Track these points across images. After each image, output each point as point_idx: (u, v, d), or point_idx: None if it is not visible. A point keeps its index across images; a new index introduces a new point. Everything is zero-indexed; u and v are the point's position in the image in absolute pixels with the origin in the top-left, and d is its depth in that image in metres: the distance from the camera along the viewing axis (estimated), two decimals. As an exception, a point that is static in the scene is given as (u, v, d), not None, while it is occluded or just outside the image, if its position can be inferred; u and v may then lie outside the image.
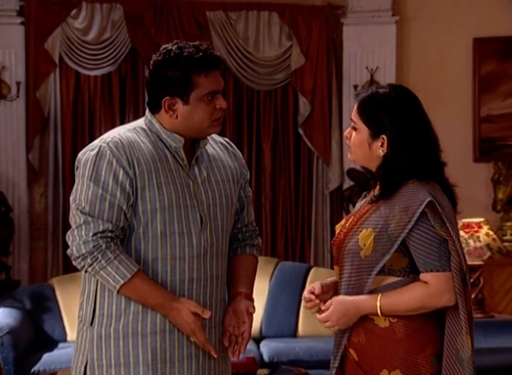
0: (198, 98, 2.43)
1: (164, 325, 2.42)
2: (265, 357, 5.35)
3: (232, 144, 2.68)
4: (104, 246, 2.37)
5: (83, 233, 2.39)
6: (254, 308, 2.54)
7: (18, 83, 6.64)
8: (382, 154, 2.39)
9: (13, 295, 5.75)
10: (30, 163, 6.68)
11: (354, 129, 2.44)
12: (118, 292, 2.39)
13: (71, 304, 5.60)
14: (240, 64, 6.92)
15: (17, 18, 6.68)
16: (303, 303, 2.53)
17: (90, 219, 2.38)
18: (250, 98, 7.03)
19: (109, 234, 2.39)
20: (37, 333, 5.60)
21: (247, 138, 6.97)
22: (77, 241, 2.39)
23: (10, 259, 6.58)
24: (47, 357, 5.24)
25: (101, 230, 2.38)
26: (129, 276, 2.36)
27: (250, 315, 2.53)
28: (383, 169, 2.39)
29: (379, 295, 2.34)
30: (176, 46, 2.44)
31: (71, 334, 5.58)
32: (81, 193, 2.41)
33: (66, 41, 6.71)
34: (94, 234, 2.38)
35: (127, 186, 2.40)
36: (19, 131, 6.66)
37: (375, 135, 2.40)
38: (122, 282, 2.37)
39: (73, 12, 6.73)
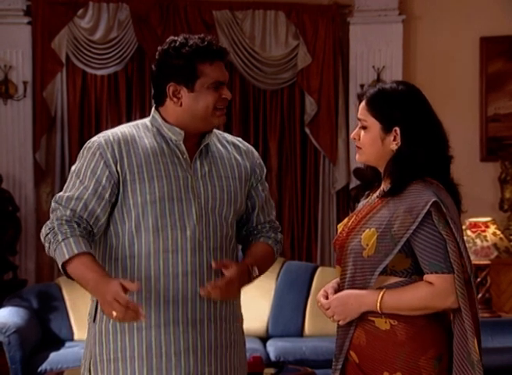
0: (204, 87, 2.45)
1: (159, 319, 2.42)
2: (272, 356, 5.35)
3: (246, 144, 2.68)
4: (56, 228, 2.39)
5: (48, 221, 2.44)
6: (255, 274, 2.47)
7: (25, 83, 6.65)
8: (395, 148, 2.37)
9: (20, 294, 5.76)
10: (36, 163, 6.69)
11: (363, 128, 2.41)
12: (67, 275, 2.39)
13: (78, 303, 5.61)
14: (247, 63, 6.92)
15: (24, 18, 6.70)
16: (316, 303, 2.50)
17: (57, 206, 2.44)
18: (256, 98, 7.03)
19: (65, 218, 2.41)
20: (44, 332, 5.61)
21: (253, 138, 6.97)
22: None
23: (17, 259, 6.59)
24: (54, 356, 5.25)
25: (59, 215, 2.42)
26: (67, 257, 2.34)
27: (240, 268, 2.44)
28: (395, 163, 2.36)
29: (382, 291, 2.32)
30: (181, 37, 2.48)
31: (78, 333, 5.59)
32: (66, 184, 2.49)
33: (73, 40, 6.73)
34: (54, 220, 2.41)
35: (103, 179, 2.42)
36: (25, 131, 6.68)
37: (387, 129, 2.37)
38: (61, 262, 2.36)
39: (80, 11, 6.74)
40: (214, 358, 2.47)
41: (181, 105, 2.47)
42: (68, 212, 2.41)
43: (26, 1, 6.70)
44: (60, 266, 2.38)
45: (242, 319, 2.62)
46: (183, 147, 2.48)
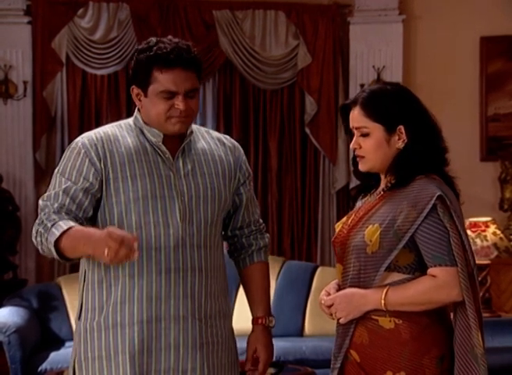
0: (154, 94, 2.44)
1: (142, 315, 2.43)
2: (272, 356, 5.35)
3: (232, 141, 2.66)
4: (45, 220, 2.37)
5: (36, 220, 2.42)
6: (272, 324, 2.63)
7: (25, 83, 6.65)
8: (402, 146, 2.37)
9: (20, 294, 5.76)
10: (36, 162, 6.69)
11: (364, 135, 2.39)
12: (61, 257, 2.34)
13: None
14: (247, 63, 6.92)
15: (24, 17, 6.70)
16: (318, 303, 2.50)
17: (45, 203, 2.42)
18: (256, 97, 7.03)
19: (52, 210, 2.39)
20: (44, 332, 5.61)
21: (253, 137, 6.97)
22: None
23: (17, 258, 6.59)
24: (54, 356, 5.25)
25: (46, 211, 2.40)
26: (57, 234, 2.31)
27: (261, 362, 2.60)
28: (401, 160, 2.36)
29: (386, 288, 2.32)
30: (156, 39, 2.49)
31: (78, 333, 5.59)
32: (50, 185, 2.48)
33: (73, 40, 6.72)
34: (42, 215, 2.39)
35: (90, 177, 2.43)
36: (26, 130, 6.68)
37: (391, 129, 2.37)
38: (53, 243, 2.31)
39: (80, 11, 6.74)
40: (200, 354, 2.46)
41: (142, 107, 2.50)
42: (56, 205, 2.41)
43: (26, 0, 6.70)
44: (54, 251, 2.33)
45: (231, 318, 2.63)
46: (163, 147, 2.49)
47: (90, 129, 7.69)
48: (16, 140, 6.67)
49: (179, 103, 2.42)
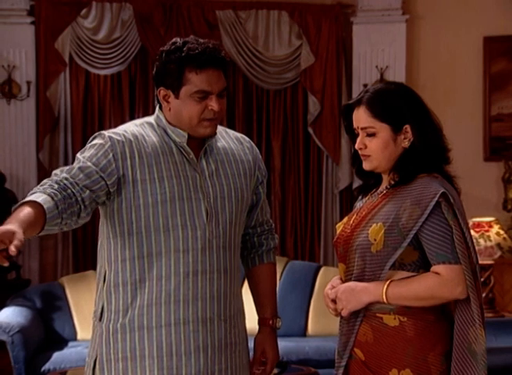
0: (188, 95, 2.42)
1: (169, 318, 2.41)
2: (275, 356, 5.34)
3: (248, 140, 2.67)
4: (39, 185, 2.29)
5: None
6: (279, 326, 2.64)
7: (28, 83, 6.66)
8: (408, 145, 2.38)
9: (23, 294, 5.77)
10: (40, 162, 6.70)
11: (370, 135, 2.39)
12: None
13: (81, 303, 5.61)
14: (250, 63, 6.92)
15: (27, 18, 6.71)
16: (323, 299, 2.50)
17: (54, 172, 2.36)
18: (259, 98, 7.03)
19: (55, 179, 2.32)
20: (48, 332, 5.62)
21: (256, 137, 6.97)
22: None
23: (20, 258, 6.59)
24: (57, 356, 5.26)
25: (57, 178, 2.32)
26: (17, 206, 2.20)
27: (267, 363, 2.61)
28: (407, 158, 2.36)
29: (388, 281, 2.32)
30: (182, 40, 2.45)
31: (81, 333, 5.59)
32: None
33: (76, 40, 6.73)
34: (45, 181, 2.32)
35: (109, 168, 2.37)
36: (29, 131, 6.69)
37: (397, 128, 2.37)
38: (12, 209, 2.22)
39: (83, 11, 6.74)
40: (224, 356, 2.47)
41: (170, 109, 2.47)
42: (63, 175, 2.34)
43: (29, 1, 6.70)
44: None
45: (245, 316, 2.63)
46: (187, 148, 2.47)
47: (93, 129, 7.66)
48: (20, 140, 6.68)
49: (214, 104, 2.42)
